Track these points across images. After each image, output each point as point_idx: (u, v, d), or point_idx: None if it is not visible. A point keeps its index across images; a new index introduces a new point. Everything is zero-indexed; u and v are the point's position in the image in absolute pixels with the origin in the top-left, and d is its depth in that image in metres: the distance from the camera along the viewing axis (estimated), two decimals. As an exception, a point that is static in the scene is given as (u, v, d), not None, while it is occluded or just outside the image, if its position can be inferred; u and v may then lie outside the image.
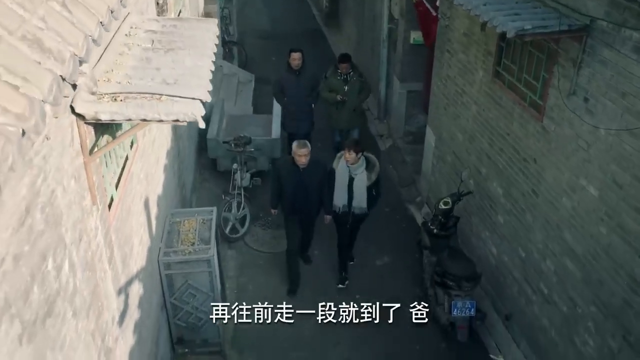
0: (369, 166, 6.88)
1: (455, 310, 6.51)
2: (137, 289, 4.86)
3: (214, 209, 6.57)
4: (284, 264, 7.85)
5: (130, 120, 3.44)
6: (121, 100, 3.45)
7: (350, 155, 6.70)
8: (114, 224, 4.22)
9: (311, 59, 10.14)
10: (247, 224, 8.45)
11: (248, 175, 8.73)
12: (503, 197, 6.71)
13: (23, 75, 2.28)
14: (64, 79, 2.51)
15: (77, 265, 3.34)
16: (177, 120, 3.45)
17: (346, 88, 9.18)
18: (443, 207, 7.08)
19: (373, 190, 7.00)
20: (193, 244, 5.99)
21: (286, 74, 9.10)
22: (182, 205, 7.48)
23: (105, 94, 3.47)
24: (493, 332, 6.90)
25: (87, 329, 3.51)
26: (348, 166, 6.81)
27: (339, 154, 7.01)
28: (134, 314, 4.71)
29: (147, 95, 3.57)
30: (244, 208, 8.41)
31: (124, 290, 4.45)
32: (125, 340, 4.43)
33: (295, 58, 8.93)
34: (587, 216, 5.22)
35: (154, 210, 5.69)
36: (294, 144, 6.86)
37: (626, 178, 4.67)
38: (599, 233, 5.06)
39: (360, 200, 6.96)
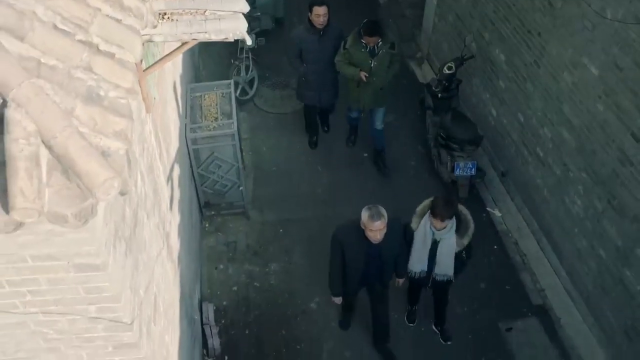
0: (460, 227, 5.22)
1: (458, 170, 7.11)
2: (176, 172, 5.35)
3: (232, 81, 6.89)
4: (292, 124, 8.35)
5: (180, 40, 3.70)
6: (169, 19, 3.68)
7: (441, 224, 5.09)
8: (159, 122, 4.60)
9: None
10: (255, 85, 8.77)
11: (253, 36, 8.87)
12: (505, 64, 7.05)
13: (118, 42, 2.57)
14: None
15: (144, 172, 3.79)
16: (226, 38, 3.71)
17: (373, 63, 6.85)
18: (447, 71, 7.41)
19: (463, 253, 5.36)
20: (216, 118, 6.40)
21: (305, 33, 7.01)
22: (195, 76, 7.75)
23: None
24: (490, 187, 7.59)
25: (155, 224, 4.04)
26: (432, 229, 5.18)
27: (418, 210, 5.29)
28: (176, 195, 5.24)
29: (191, 10, 3.80)
30: (252, 70, 8.68)
31: (170, 177, 4.95)
32: (174, 220, 5.00)
33: (320, 14, 6.83)
34: (585, 92, 5.64)
35: (179, 92, 6.02)
36: (365, 215, 4.80)
37: (627, 62, 5.04)
38: (596, 109, 5.52)
39: (446, 267, 5.38)
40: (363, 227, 4.87)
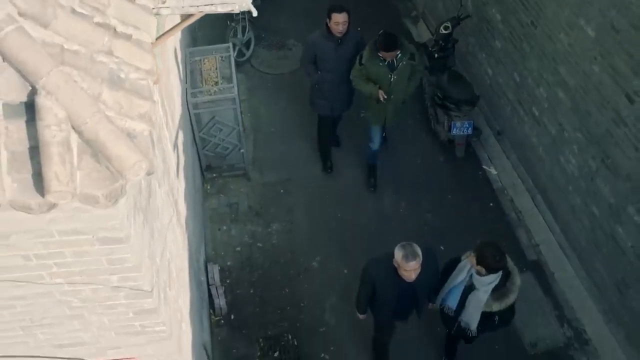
0: (499, 290, 4.76)
1: (454, 129, 7.23)
2: (180, 138, 5.44)
3: (230, 45, 6.92)
4: (290, 85, 8.39)
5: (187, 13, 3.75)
6: (175, -9, 3.73)
7: (483, 274, 4.72)
8: (164, 90, 4.67)
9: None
10: (252, 47, 8.78)
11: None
12: (501, 23, 7.10)
13: (133, 23, 2.64)
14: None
15: (155, 143, 3.89)
16: (232, 10, 3.76)
17: (392, 78, 6.27)
18: (443, 31, 7.45)
19: (495, 317, 4.92)
20: (216, 82, 6.46)
21: (322, 40, 6.35)
22: (193, 39, 7.75)
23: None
24: (486, 145, 7.73)
25: (165, 192, 4.17)
26: (472, 270, 4.80)
27: (472, 250, 4.82)
28: (181, 161, 5.35)
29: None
30: (248, 31, 8.67)
31: (175, 144, 5.05)
32: (180, 186, 5.12)
33: (339, 22, 6.16)
34: (582, 53, 5.73)
35: (179, 57, 6.06)
36: (399, 255, 4.60)
37: (623, 24, 5.12)
38: (592, 70, 5.61)
39: (469, 318, 4.96)
40: (396, 265, 4.67)
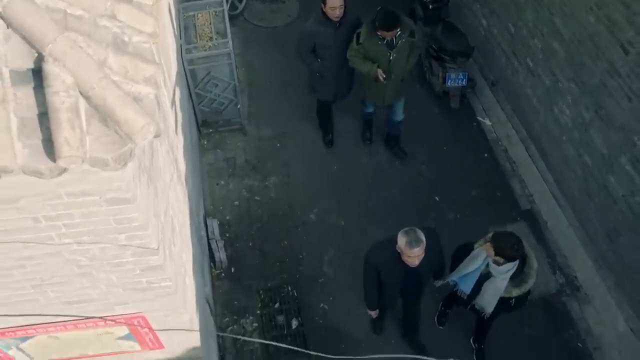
0: (518, 276, 4.72)
1: (449, 81, 7.25)
2: (177, 94, 5.45)
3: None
4: (284, 38, 8.33)
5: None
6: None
7: (500, 263, 4.63)
8: (161, 48, 4.66)
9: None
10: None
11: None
12: (496, -27, 7.05)
13: (135, -13, 2.65)
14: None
15: (160, 105, 3.92)
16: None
17: (392, 56, 6.09)
18: (438, -18, 7.39)
19: (512, 301, 4.87)
20: (211, 38, 6.43)
21: (319, 26, 6.12)
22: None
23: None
24: (481, 97, 7.76)
25: (166, 150, 4.21)
26: (489, 258, 4.71)
27: (485, 238, 4.81)
28: (179, 118, 5.37)
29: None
30: (241, -17, 8.57)
31: (173, 101, 5.06)
32: (179, 143, 5.16)
33: (335, 6, 5.95)
34: (577, 4, 5.72)
35: (173, 11, 6.01)
36: (402, 241, 4.49)
37: (618, -26, 5.11)
38: (587, 21, 5.61)
39: (486, 303, 4.95)
40: (399, 251, 4.57)
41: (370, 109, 7.06)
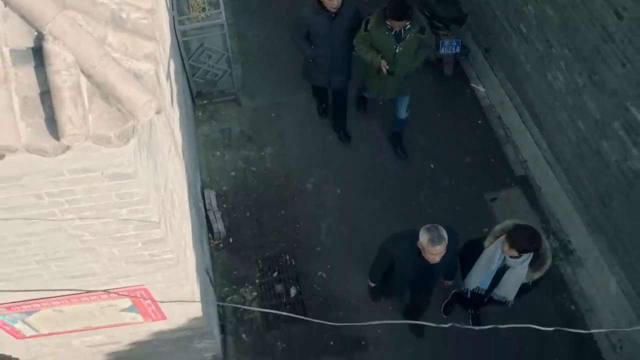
0: (536, 261, 4.67)
1: (443, 48, 7.24)
2: (172, 67, 5.43)
3: (214, -32, 6.77)
4: (276, 6, 8.27)
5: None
6: None
7: (516, 254, 4.57)
8: (155, 20, 4.64)
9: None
10: (235, -33, 8.58)
11: None
12: (489, -63, 6.99)
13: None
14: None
15: (160, 80, 3.92)
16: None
17: (398, 49, 5.86)
18: (430, -53, 7.31)
19: (530, 282, 4.83)
20: (203, 9, 6.38)
21: (315, 15, 5.89)
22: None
23: None
24: (474, 63, 7.76)
25: (163, 123, 4.23)
26: (504, 254, 4.65)
27: (496, 230, 4.77)
28: (174, 90, 5.37)
29: None
30: (231, -49, 8.45)
31: (168, 74, 5.05)
32: (175, 116, 5.17)
33: None
34: (571, -31, 5.70)
35: (165, -18, 5.95)
36: (425, 238, 4.40)
37: (612, -62, 5.08)
38: (580, -14, 5.61)
39: (507, 293, 4.93)
40: (420, 248, 4.50)
41: (367, 94, 6.94)
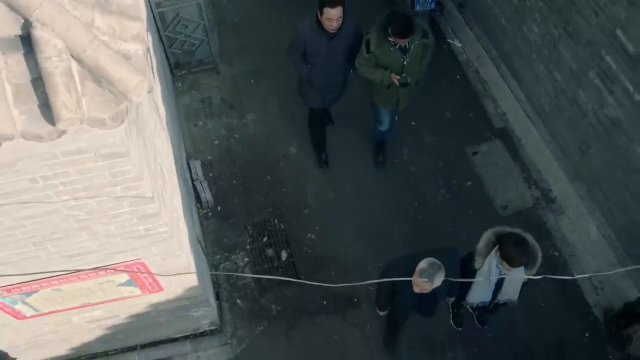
0: (529, 261, 4.63)
1: (418, 5, 7.21)
2: (150, 38, 5.39)
3: None
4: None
5: None
6: None
7: (516, 270, 4.60)
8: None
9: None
10: None
11: None
12: None
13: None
14: None
15: (149, 60, 3.92)
16: None
17: (405, 61, 5.55)
18: None
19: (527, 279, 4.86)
20: (176, -22, 6.30)
21: (312, 34, 5.43)
22: None
23: None
24: (450, 19, 7.78)
25: (148, 99, 4.23)
26: (499, 267, 4.63)
27: (480, 249, 4.68)
28: (154, 61, 5.34)
29: None
30: None
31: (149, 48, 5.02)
32: (157, 89, 5.16)
33: (332, 18, 5.20)
34: None
35: (135, -47, 5.86)
36: (418, 269, 4.37)
37: None
38: (553, -63, 5.63)
39: (510, 294, 4.95)
40: (412, 278, 4.42)
41: (385, 127, 6.55)
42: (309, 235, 6.43)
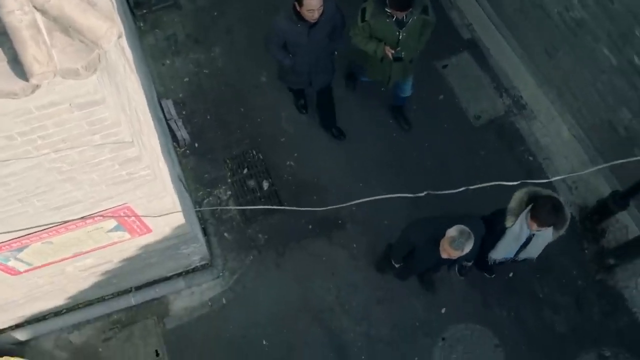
0: (559, 224, 4.63)
1: None
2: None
3: None
4: None
5: None
6: None
7: (544, 230, 4.60)
8: None
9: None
10: None
11: None
12: None
13: None
14: None
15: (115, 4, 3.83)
16: None
17: (401, 35, 5.29)
18: None
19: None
20: None
21: (290, 25, 5.11)
22: None
23: None
24: None
25: (115, 45, 4.15)
26: (529, 229, 4.62)
27: (513, 208, 4.65)
28: (114, 4, 5.21)
29: None
30: None
31: None
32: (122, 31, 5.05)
33: (314, 8, 4.86)
34: None
35: None
36: (448, 237, 4.30)
37: None
38: None
39: (533, 253, 4.96)
40: (442, 241, 4.38)
41: (365, 79, 6.41)
42: (288, 162, 6.49)
